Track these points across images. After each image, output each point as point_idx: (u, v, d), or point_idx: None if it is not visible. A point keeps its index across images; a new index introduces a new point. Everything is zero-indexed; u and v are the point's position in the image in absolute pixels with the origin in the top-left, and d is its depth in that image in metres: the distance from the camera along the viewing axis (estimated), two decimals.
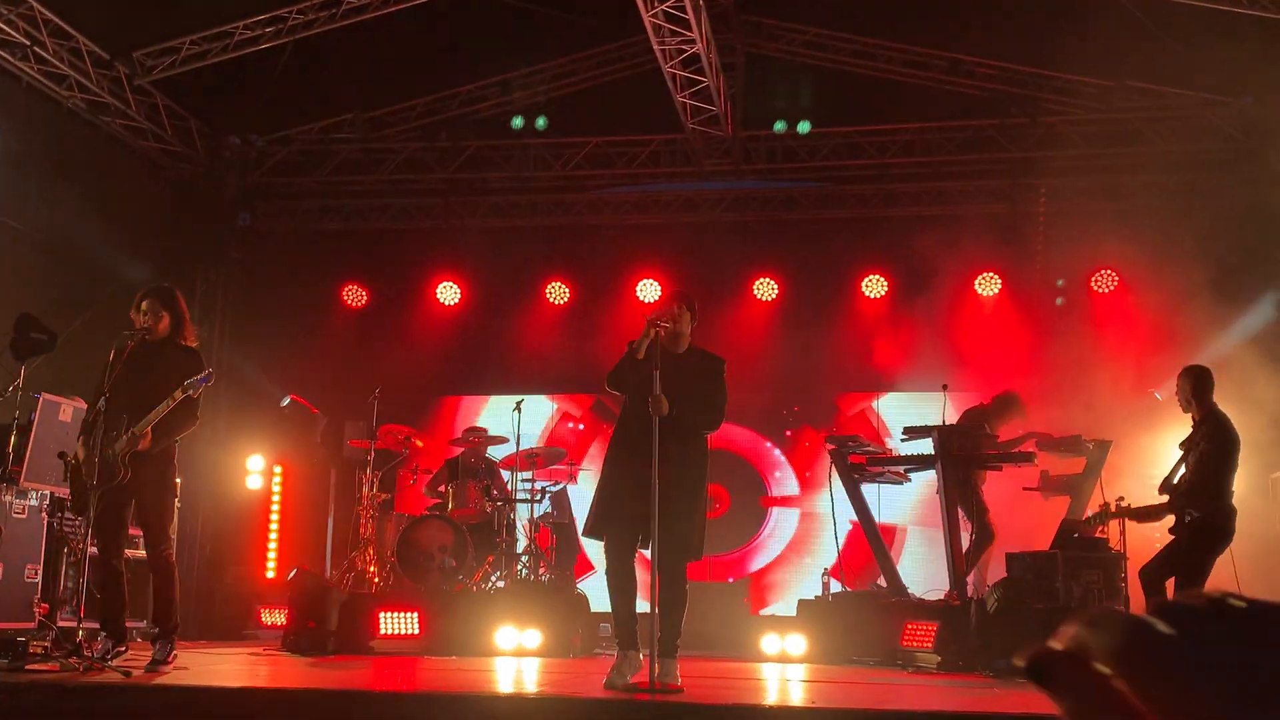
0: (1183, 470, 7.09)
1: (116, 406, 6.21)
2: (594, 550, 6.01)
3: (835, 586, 9.33)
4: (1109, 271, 11.48)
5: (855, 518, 9.38)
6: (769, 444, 12.09)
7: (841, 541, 9.44)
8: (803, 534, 11.82)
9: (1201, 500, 6.90)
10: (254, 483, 12.01)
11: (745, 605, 11.61)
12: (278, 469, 11.92)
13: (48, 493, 7.99)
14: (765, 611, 11.56)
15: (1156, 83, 11.32)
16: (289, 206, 13.05)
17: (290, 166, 12.86)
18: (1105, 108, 11.60)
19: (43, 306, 8.92)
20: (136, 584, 8.61)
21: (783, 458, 12.07)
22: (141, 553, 8.53)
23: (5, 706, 4.84)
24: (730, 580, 11.67)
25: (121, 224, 11.03)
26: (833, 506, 9.21)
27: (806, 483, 11.91)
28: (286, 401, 11.11)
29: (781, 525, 11.94)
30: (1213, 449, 6.96)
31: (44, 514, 7.96)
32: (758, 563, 11.87)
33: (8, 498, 7.61)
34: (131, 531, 6.76)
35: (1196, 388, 7.16)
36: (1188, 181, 11.50)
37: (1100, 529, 7.84)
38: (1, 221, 9.82)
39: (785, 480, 12.05)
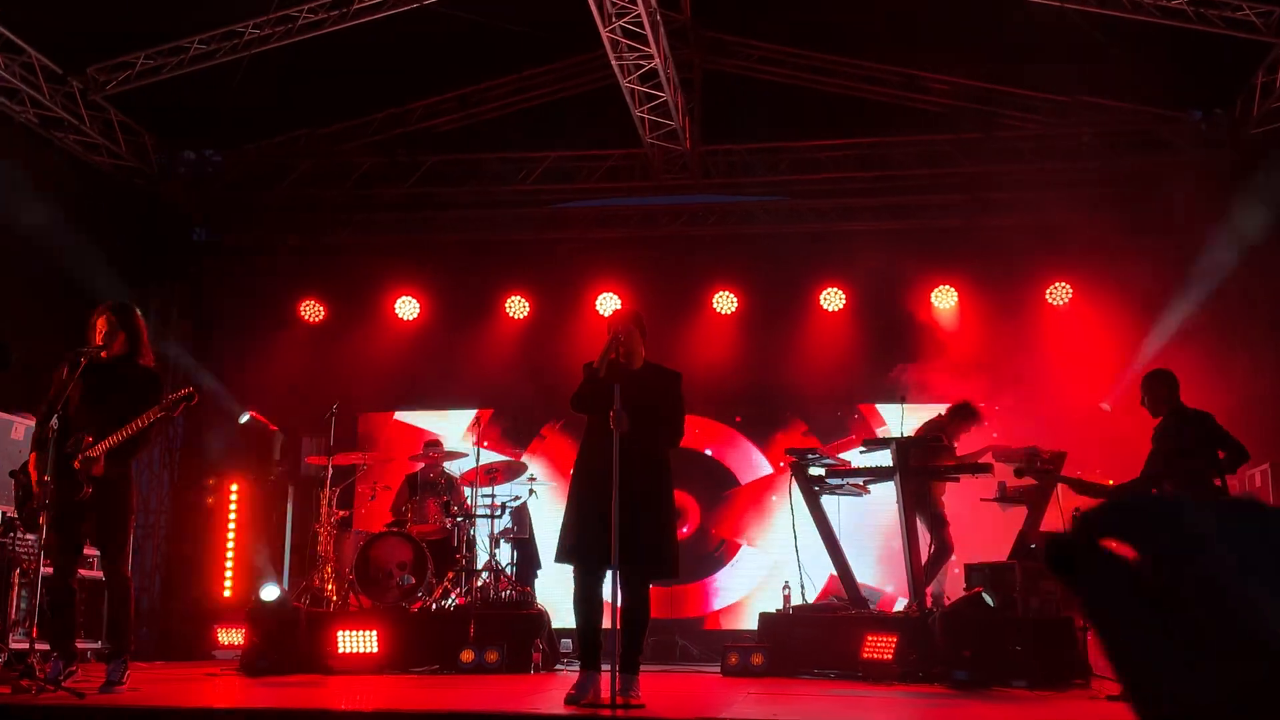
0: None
1: (73, 424, 6.14)
2: (558, 567, 5.97)
3: (796, 597, 9.34)
4: (1063, 284, 11.61)
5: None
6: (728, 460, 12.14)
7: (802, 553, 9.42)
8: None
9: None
10: (210, 500, 11.88)
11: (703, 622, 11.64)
12: (234, 486, 11.80)
13: (0, 513, 7.87)
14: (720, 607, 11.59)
15: (1109, 98, 11.49)
16: (245, 221, 12.96)
17: (246, 181, 12.79)
18: (1059, 123, 11.74)
19: None
20: (89, 604, 8.52)
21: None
22: (94, 573, 8.45)
23: None
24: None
25: (75, 239, 10.91)
26: (793, 518, 9.22)
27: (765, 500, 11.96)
28: (246, 418, 11.02)
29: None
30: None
31: None
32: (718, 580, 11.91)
33: None
34: (85, 550, 6.67)
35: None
36: (1140, 195, 11.66)
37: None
38: None
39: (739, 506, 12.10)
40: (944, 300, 11.84)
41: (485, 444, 10.37)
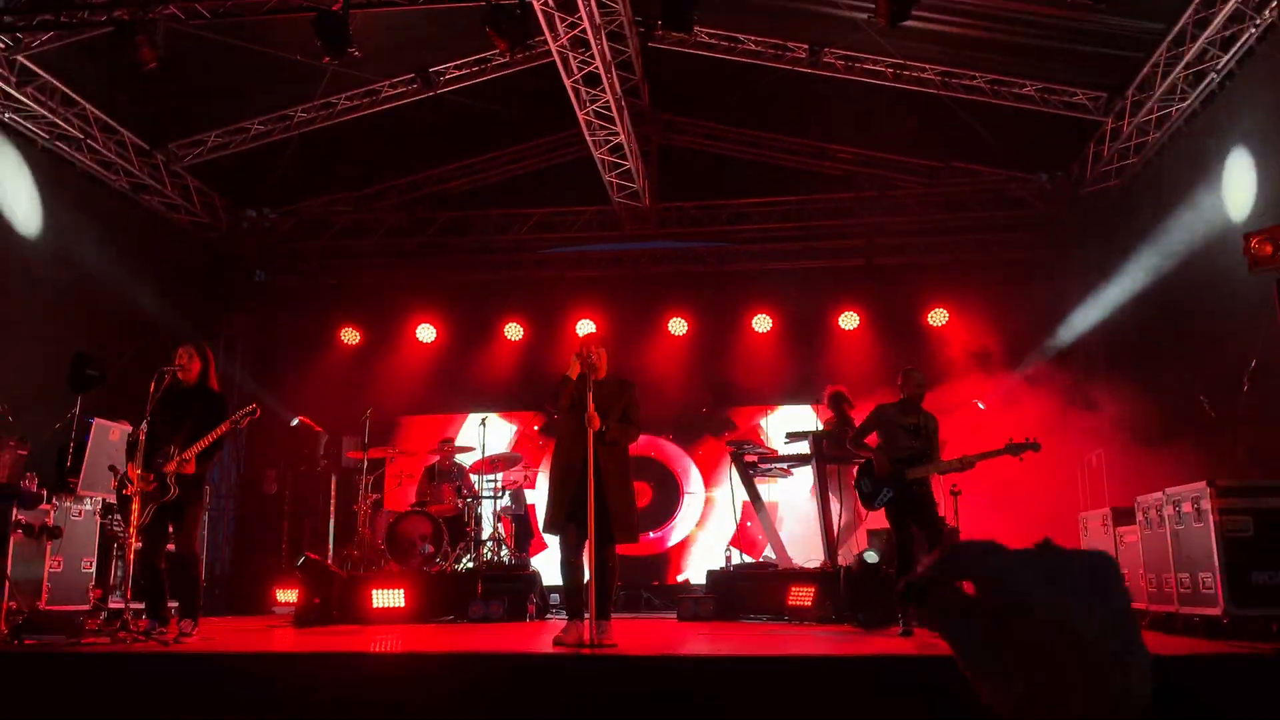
0: (909, 442, 7.02)
1: (157, 434, 6.18)
2: (549, 536, 6.00)
3: (736, 558, 9.38)
4: (941, 309, 11.72)
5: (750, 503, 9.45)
6: (681, 450, 12.14)
7: (738, 522, 9.49)
8: (706, 518, 11.87)
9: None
10: (270, 488, 11.81)
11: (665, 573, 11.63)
12: (289, 476, 11.72)
13: (100, 499, 7.81)
14: (680, 578, 11.60)
15: (974, 163, 11.65)
16: (296, 265, 12.90)
17: (297, 234, 12.74)
18: (936, 182, 11.89)
19: (95, 348, 8.74)
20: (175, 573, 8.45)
21: (690, 462, 12.11)
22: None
23: (67, 671, 4.73)
24: (656, 554, 11.68)
25: (160, 281, 10.85)
26: (732, 494, 9.28)
27: (709, 481, 11.98)
28: (295, 422, 10.97)
29: (690, 511, 11.98)
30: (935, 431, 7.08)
31: (97, 516, 7.77)
32: (674, 539, 11.90)
33: (68, 503, 7.44)
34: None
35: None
36: (1000, 239, 11.82)
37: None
38: (64, 281, 9.60)
39: (692, 476, 12.08)
40: (850, 322, 11.93)
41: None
